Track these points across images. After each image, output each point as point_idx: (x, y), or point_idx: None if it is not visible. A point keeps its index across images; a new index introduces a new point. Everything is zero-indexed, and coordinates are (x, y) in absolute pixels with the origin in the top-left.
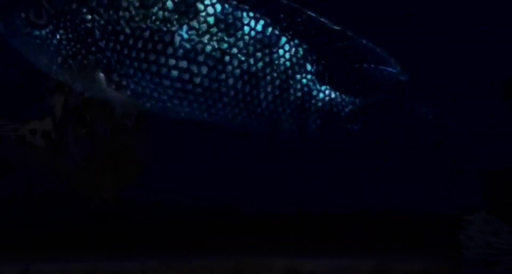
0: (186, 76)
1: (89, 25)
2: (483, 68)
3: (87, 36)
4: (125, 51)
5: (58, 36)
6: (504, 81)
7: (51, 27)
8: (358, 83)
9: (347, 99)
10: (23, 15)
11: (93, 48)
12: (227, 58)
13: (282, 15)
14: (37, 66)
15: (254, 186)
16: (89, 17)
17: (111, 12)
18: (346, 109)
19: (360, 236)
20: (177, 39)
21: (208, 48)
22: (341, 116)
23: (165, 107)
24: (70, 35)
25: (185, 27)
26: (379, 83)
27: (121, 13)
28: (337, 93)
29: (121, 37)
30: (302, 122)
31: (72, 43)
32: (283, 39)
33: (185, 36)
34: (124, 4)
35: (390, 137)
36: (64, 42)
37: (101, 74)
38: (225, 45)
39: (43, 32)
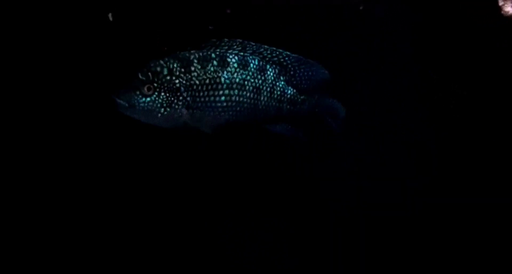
0: (228, 98)
1: (177, 85)
2: None
3: (177, 91)
4: (196, 94)
5: (160, 97)
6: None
7: (156, 93)
8: (305, 85)
9: (300, 94)
10: (138, 92)
11: (180, 97)
12: (245, 82)
13: (263, 52)
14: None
15: None
16: (177, 80)
17: (187, 75)
18: (300, 98)
19: None
20: (222, 79)
21: (237, 79)
22: (298, 102)
23: (216, 118)
24: (167, 94)
25: (225, 72)
26: (315, 84)
27: (192, 73)
28: (295, 90)
29: (194, 87)
30: (280, 106)
31: (168, 97)
32: (268, 66)
33: (226, 76)
34: (192, 68)
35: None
36: (165, 99)
37: (185, 110)
38: (244, 76)
39: (151, 98)
